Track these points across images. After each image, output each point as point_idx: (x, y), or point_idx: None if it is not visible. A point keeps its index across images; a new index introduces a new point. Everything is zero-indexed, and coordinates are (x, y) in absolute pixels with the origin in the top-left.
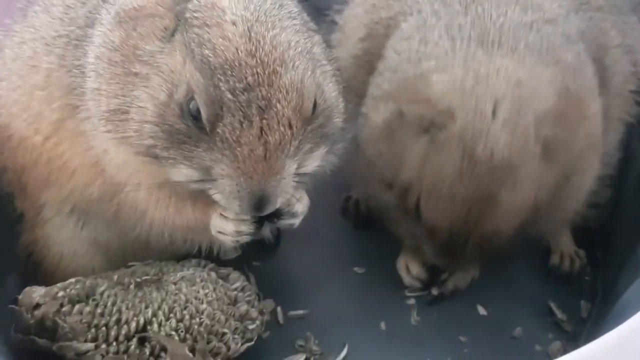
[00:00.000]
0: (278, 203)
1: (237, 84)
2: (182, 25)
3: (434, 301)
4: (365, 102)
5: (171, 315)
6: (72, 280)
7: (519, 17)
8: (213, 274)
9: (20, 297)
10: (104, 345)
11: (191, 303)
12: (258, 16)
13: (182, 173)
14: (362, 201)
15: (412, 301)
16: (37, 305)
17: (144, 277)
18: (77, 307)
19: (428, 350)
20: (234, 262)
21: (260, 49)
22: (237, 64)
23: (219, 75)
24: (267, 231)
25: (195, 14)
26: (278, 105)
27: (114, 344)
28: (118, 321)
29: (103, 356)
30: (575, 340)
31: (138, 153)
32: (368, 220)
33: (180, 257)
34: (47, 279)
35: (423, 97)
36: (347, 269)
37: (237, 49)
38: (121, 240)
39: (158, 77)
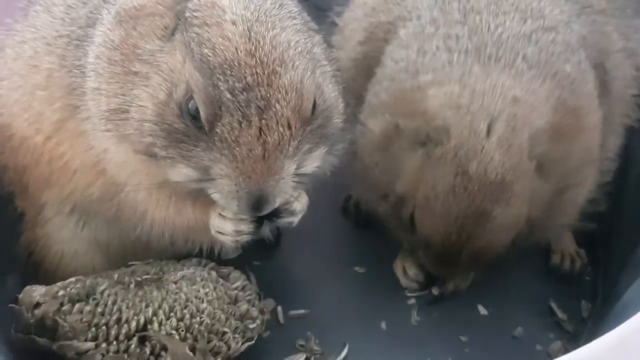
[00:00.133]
0: (277, 203)
1: (236, 84)
2: (182, 24)
3: (434, 301)
4: (363, 109)
5: (172, 314)
6: (73, 279)
7: (517, 27)
8: (213, 273)
9: (20, 296)
10: (104, 345)
11: (192, 302)
12: (258, 16)
13: (181, 172)
14: (363, 201)
15: (412, 301)
16: (38, 305)
17: (144, 276)
18: (77, 306)
19: (428, 350)
20: (235, 261)
21: (260, 49)
22: (236, 64)
23: (218, 75)
24: (266, 230)
25: (195, 13)
26: (277, 105)
27: (115, 343)
28: (118, 320)
29: (103, 355)
30: (576, 340)
31: (137, 151)
32: (368, 220)
33: (181, 256)
34: (47, 278)
35: (419, 111)
36: (348, 269)
37: (236, 49)
38: (121, 240)
39: (158, 76)
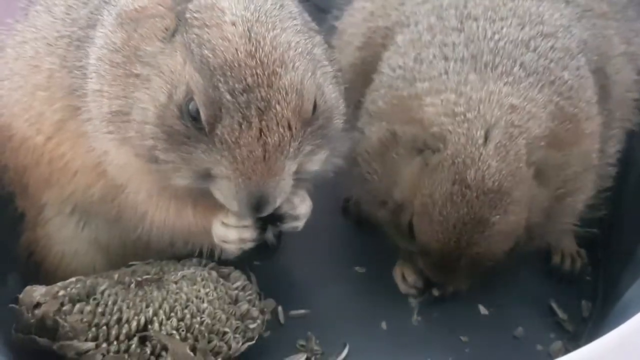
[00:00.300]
0: (277, 203)
1: (236, 85)
2: (182, 26)
3: (434, 302)
4: (360, 115)
5: (172, 314)
6: (73, 279)
7: (515, 33)
8: (214, 273)
9: (20, 296)
10: (104, 345)
11: (192, 302)
12: (258, 16)
13: (182, 174)
14: (362, 206)
15: (413, 301)
16: (38, 305)
17: (144, 276)
18: (77, 306)
19: (429, 350)
20: (235, 261)
21: (260, 50)
22: (236, 65)
23: (218, 76)
24: (270, 235)
25: (195, 15)
26: (277, 106)
27: (115, 343)
28: (119, 320)
29: (104, 355)
30: (576, 340)
31: (139, 154)
32: (369, 220)
33: (182, 256)
34: (48, 278)
35: (416, 118)
36: (348, 269)
37: (236, 50)
38: (122, 240)
39: (158, 78)
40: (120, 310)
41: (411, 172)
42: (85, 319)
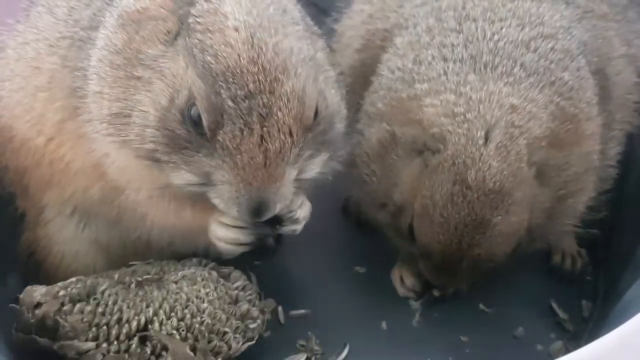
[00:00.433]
0: (277, 209)
1: (238, 92)
2: (184, 30)
3: (435, 302)
4: (359, 118)
5: (172, 314)
6: (73, 279)
7: (515, 34)
8: (214, 273)
9: (21, 296)
10: (105, 345)
11: (192, 302)
12: (261, 22)
13: (182, 177)
14: (362, 208)
15: (414, 303)
16: (38, 305)
17: (145, 276)
18: (78, 306)
19: (429, 350)
20: (235, 261)
21: (263, 56)
22: (238, 71)
23: (220, 83)
24: (270, 239)
25: (198, 19)
26: (279, 113)
27: (115, 343)
28: (119, 320)
29: (104, 355)
30: (576, 339)
31: (139, 157)
32: (369, 221)
33: (182, 256)
34: (48, 279)
35: (416, 120)
36: (349, 269)
37: (239, 56)
38: (122, 241)
39: (160, 82)
40: (120, 310)
41: (411, 173)
42: (85, 319)
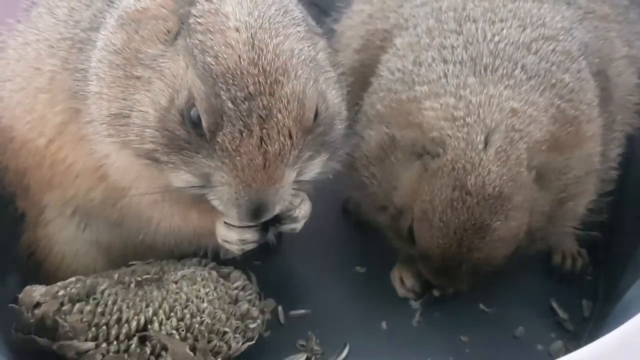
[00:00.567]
0: (276, 211)
1: (238, 93)
2: (185, 30)
3: (435, 302)
4: (359, 120)
5: (172, 314)
6: (73, 279)
7: (515, 35)
8: (214, 273)
9: (20, 296)
10: (104, 344)
11: (192, 302)
12: (262, 23)
13: (181, 178)
14: (362, 210)
15: (414, 303)
16: (38, 304)
17: (144, 276)
18: (77, 306)
19: (429, 350)
20: (235, 261)
21: (263, 57)
22: (239, 73)
23: (220, 84)
24: (270, 235)
25: (198, 20)
26: (279, 115)
27: (115, 343)
28: (119, 320)
29: (104, 355)
30: (577, 339)
31: (139, 156)
32: (369, 222)
33: (181, 256)
34: (48, 279)
35: (415, 123)
36: (349, 269)
37: (239, 57)
38: (123, 241)
39: (160, 82)
40: (120, 310)
41: (410, 177)
42: (85, 319)
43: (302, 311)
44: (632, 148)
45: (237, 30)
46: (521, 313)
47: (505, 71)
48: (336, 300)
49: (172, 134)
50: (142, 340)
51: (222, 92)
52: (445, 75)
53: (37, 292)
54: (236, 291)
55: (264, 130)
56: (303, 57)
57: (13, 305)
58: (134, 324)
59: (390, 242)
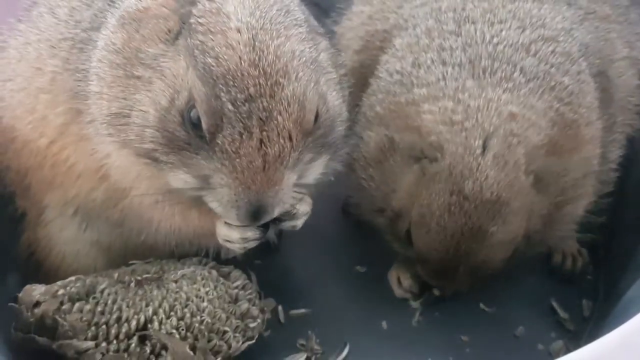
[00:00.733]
0: (275, 213)
1: (238, 95)
2: (186, 30)
3: (435, 302)
4: (358, 120)
5: (172, 313)
6: (73, 278)
7: (515, 36)
8: (214, 272)
9: (20, 295)
10: (104, 344)
11: (192, 301)
12: (263, 23)
13: (180, 179)
14: (361, 212)
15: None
16: (37, 303)
17: (144, 275)
18: (77, 305)
19: (429, 350)
20: (235, 260)
21: (264, 59)
22: (239, 74)
23: (220, 85)
24: (271, 233)
25: (199, 20)
26: (279, 117)
27: (115, 342)
28: (118, 319)
29: (103, 354)
30: (577, 339)
31: (139, 155)
32: (368, 223)
33: (181, 255)
34: (48, 278)
35: (414, 126)
36: (349, 268)
37: (240, 58)
38: (123, 241)
39: (160, 82)
40: (120, 309)
41: (409, 180)
42: (84, 318)
43: (302, 310)
44: (633, 149)
45: (239, 31)
46: (521, 313)
47: (503, 74)
48: (336, 300)
49: (172, 135)
50: (142, 340)
51: (222, 94)
52: (444, 78)
53: (36, 291)
54: (236, 290)
55: (264, 133)
56: (304, 58)
57: (13, 304)
58: (133, 323)
59: (388, 244)
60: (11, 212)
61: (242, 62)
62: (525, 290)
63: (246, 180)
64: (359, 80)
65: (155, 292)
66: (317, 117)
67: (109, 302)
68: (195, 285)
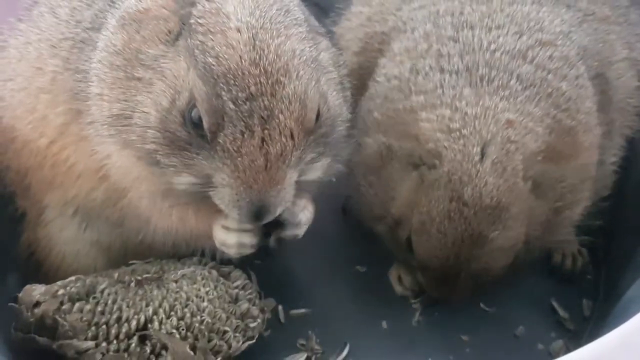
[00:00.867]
0: (277, 212)
1: (239, 94)
2: (186, 30)
3: (435, 301)
4: (357, 123)
5: (172, 313)
6: (73, 278)
7: (512, 42)
8: (214, 272)
9: (20, 295)
10: (104, 344)
11: (192, 301)
12: (263, 23)
13: (183, 179)
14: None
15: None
16: (37, 303)
17: (144, 275)
18: (77, 305)
19: (429, 349)
20: (236, 260)
21: (264, 58)
22: (240, 73)
23: (221, 85)
24: (272, 242)
25: (199, 20)
26: (280, 116)
27: (115, 342)
28: (118, 319)
29: (103, 354)
30: (577, 338)
31: (140, 158)
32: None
33: (181, 255)
34: (48, 278)
35: (412, 133)
36: (349, 268)
37: (240, 57)
38: (123, 241)
39: (161, 83)
40: (120, 309)
41: (408, 187)
42: (84, 318)
43: (303, 310)
44: (633, 151)
45: (239, 30)
46: (521, 312)
47: (500, 82)
48: (336, 300)
49: (174, 135)
50: (142, 340)
51: (223, 93)
52: (442, 86)
53: (36, 291)
54: (236, 290)
55: (266, 131)
56: (304, 57)
57: (13, 304)
58: (134, 323)
59: (389, 249)
60: (11, 212)
61: (243, 61)
62: (525, 290)
63: (248, 180)
64: (358, 81)
65: (155, 292)
66: (318, 115)
67: (109, 302)
68: (195, 285)
